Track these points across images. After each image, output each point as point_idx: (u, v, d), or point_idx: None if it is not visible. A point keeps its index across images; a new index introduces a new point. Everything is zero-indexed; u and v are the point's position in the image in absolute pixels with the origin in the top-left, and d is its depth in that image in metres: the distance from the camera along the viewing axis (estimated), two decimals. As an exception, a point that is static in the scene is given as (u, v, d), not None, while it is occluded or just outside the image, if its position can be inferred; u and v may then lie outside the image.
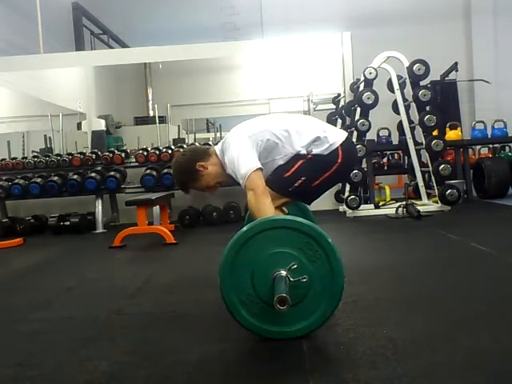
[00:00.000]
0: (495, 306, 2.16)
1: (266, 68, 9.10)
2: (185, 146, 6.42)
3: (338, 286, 1.82)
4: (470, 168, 6.65)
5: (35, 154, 6.96)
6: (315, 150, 2.31)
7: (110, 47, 10.54)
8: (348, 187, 5.91)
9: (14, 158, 6.64)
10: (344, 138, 2.37)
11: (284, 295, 1.63)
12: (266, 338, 1.84)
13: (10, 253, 4.68)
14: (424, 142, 5.71)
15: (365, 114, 5.96)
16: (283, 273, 1.77)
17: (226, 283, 1.83)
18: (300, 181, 2.29)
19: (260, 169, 2.20)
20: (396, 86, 6.02)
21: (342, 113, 6.95)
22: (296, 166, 2.30)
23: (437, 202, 5.56)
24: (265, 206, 2.12)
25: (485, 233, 4.13)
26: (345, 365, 1.60)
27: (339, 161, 2.32)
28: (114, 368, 1.73)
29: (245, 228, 1.85)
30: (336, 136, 2.37)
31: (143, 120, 9.17)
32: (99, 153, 6.32)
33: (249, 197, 2.16)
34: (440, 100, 8.34)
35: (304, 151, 2.31)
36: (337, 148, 2.33)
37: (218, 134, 9.17)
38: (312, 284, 1.80)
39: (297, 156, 2.31)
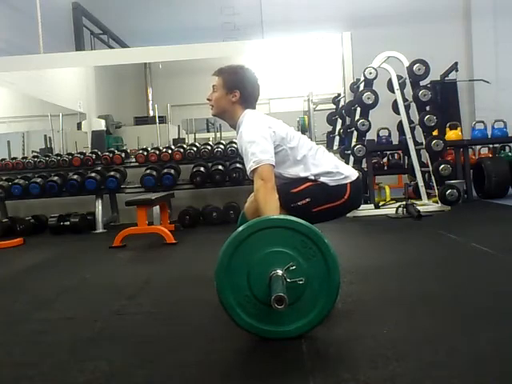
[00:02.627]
0: (495, 305, 2.16)
1: (265, 68, 9.09)
2: (185, 145, 6.42)
3: (335, 283, 1.82)
4: (470, 168, 6.65)
5: (35, 153, 6.96)
6: (323, 179, 2.28)
7: (110, 47, 10.54)
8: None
9: (14, 158, 6.64)
10: (355, 178, 2.34)
11: (281, 294, 1.63)
12: (264, 338, 1.84)
13: (10, 253, 4.68)
14: (424, 142, 5.71)
15: (365, 114, 5.96)
16: (280, 272, 1.77)
17: (222, 285, 1.83)
18: (304, 201, 2.26)
19: (273, 166, 2.17)
20: (396, 86, 6.02)
21: (342, 113, 6.96)
22: (304, 186, 2.27)
23: (437, 202, 5.56)
24: (272, 200, 2.09)
25: (485, 233, 4.13)
26: (345, 365, 1.60)
27: (346, 197, 2.29)
28: (114, 368, 1.73)
29: (240, 228, 1.85)
30: (348, 172, 2.34)
31: (143, 120, 9.18)
32: (99, 153, 6.32)
33: (258, 186, 2.12)
34: (440, 100, 8.36)
35: (312, 177, 2.28)
36: (346, 184, 2.30)
37: (218, 134, 9.17)
38: (308, 282, 1.80)
39: (305, 179, 2.29)
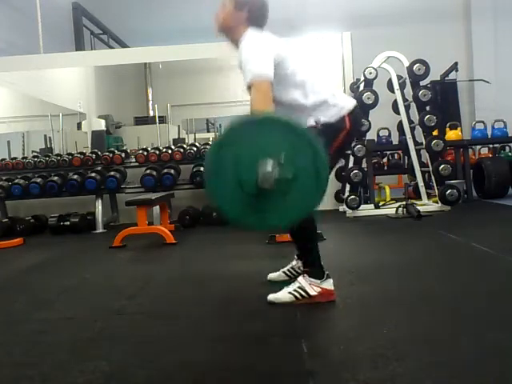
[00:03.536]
0: (495, 305, 2.16)
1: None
2: (185, 145, 6.42)
3: (323, 178, 1.85)
4: (470, 168, 6.65)
5: (35, 154, 6.96)
6: (323, 119, 2.27)
7: (110, 47, 10.53)
8: (348, 187, 5.91)
9: (14, 158, 6.64)
10: (352, 107, 2.35)
11: (268, 171, 1.67)
12: (254, 230, 1.88)
13: (10, 253, 4.68)
14: (424, 142, 5.71)
15: (365, 114, 5.95)
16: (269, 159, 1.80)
17: (212, 180, 1.88)
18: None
19: (271, 83, 2.15)
20: (396, 85, 6.02)
21: (342, 113, 6.94)
22: (315, 129, 2.25)
23: (437, 202, 5.55)
24: (268, 108, 2.08)
25: (485, 233, 4.13)
26: (345, 365, 1.60)
27: (347, 127, 2.29)
28: (114, 368, 1.73)
29: (233, 122, 1.90)
30: (344, 102, 2.34)
31: (143, 120, 9.16)
32: (99, 153, 6.32)
33: (254, 96, 2.10)
34: (440, 100, 8.35)
35: (309, 107, 2.26)
36: (343, 116, 2.30)
37: (218, 134, 9.17)
38: (297, 176, 1.82)
39: (305, 109, 2.27)
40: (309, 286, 2.29)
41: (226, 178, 1.85)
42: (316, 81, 2.35)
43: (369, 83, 5.99)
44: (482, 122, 6.72)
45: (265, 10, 2.43)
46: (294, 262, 2.71)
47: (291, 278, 2.59)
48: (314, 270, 2.32)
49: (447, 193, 5.36)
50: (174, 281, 3.08)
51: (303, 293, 2.28)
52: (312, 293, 2.27)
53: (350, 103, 2.36)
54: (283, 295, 2.31)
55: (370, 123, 5.87)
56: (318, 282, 2.29)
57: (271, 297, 2.33)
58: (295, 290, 2.30)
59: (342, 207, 5.87)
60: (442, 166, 5.48)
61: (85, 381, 1.63)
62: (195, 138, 8.51)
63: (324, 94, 2.31)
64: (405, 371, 1.53)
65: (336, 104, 2.31)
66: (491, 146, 7.54)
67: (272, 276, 2.77)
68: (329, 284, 2.32)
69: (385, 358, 1.63)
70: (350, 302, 2.33)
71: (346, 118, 2.30)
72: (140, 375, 1.66)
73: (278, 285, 2.46)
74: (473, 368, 1.55)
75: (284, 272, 2.75)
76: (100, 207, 5.75)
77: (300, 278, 2.33)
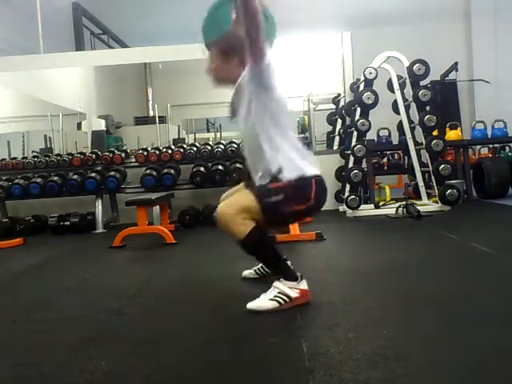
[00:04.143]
0: (495, 305, 2.16)
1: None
2: (185, 145, 6.42)
3: None
4: (470, 168, 6.65)
5: (35, 153, 6.96)
6: (287, 171, 2.25)
7: (110, 47, 10.53)
8: (348, 187, 5.91)
9: (14, 158, 6.64)
10: (317, 173, 2.32)
11: None
12: None
13: (9, 253, 4.68)
14: (424, 142, 5.71)
15: (365, 114, 5.95)
16: None
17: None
18: (278, 197, 2.22)
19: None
20: (396, 86, 6.02)
21: (342, 113, 6.95)
22: (279, 184, 2.25)
23: (437, 202, 5.55)
24: None
25: (485, 233, 4.13)
26: (345, 365, 1.60)
27: (312, 199, 2.26)
28: (114, 368, 1.73)
29: None
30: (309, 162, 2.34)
31: (143, 120, 9.16)
32: (99, 153, 6.32)
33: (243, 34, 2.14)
34: (440, 100, 8.34)
35: (276, 173, 2.26)
36: (311, 181, 2.27)
37: (218, 134, 9.16)
38: None
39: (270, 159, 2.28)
40: (288, 289, 2.26)
41: None
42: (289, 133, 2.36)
43: (369, 83, 5.99)
44: (482, 122, 6.72)
45: None
46: None
47: (260, 277, 2.76)
48: (287, 274, 2.32)
49: (447, 193, 5.36)
50: (173, 281, 3.08)
51: (285, 297, 2.25)
52: (293, 295, 2.25)
53: (315, 167, 2.34)
54: (265, 303, 2.24)
55: (370, 123, 5.87)
56: (295, 283, 2.29)
57: (252, 305, 2.24)
58: (277, 296, 2.25)
59: (342, 207, 5.87)
60: (441, 166, 5.48)
61: (85, 381, 1.63)
62: (195, 138, 8.51)
63: (291, 146, 2.31)
64: (405, 371, 1.53)
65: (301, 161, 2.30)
66: (491, 146, 7.54)
67: (245, 273, 2.87)
68: (304, 285, 2.31)
69: (385, 358, 1.63)
70: (350, 301, 2.33)
71: (312, 186, 2.26)
72: (140, 375, 1.66)
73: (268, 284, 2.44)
74: (473, 368, 1.55)
75: (255, 270, 2.83)
76: (100, 207, 5.76)
77: (277, 284, 2.28)
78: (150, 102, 9.59)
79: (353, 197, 5.57)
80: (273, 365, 1.67)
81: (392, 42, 7.85)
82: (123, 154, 6.27)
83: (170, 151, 6.14)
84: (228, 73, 2.40)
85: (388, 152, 7.50)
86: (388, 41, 8.63)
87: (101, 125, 7.88)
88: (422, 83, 5.91)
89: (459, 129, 6.78)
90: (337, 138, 7.34)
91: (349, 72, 6.83)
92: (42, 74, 7.25)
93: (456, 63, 8.76)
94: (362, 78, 6.06)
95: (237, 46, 2.30)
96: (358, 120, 5.86)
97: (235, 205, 2.24)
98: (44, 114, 7.83)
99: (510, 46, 10.40)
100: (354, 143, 5.89)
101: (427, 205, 5.62)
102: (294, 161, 2.28)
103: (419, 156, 5.93)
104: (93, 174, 5.80)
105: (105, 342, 2.01)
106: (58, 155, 6.54)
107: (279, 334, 1.95)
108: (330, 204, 6.33)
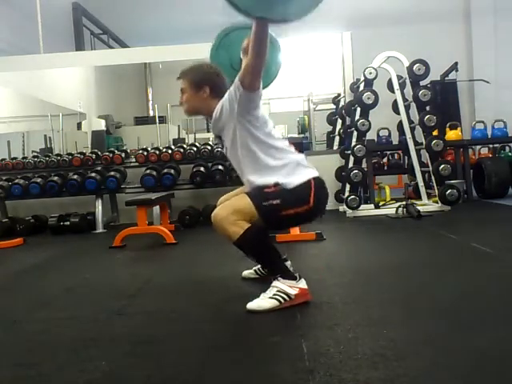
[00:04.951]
0: (495, 305, 2.16)
1: (265, 68, 9.08)
2: (185, 145, 6.42)
3: None
4: (470, 168, 6.65)
5: (35, 154, 6.96)
6: (286, 179, 2.29)
7: (110, 47, 10.53)
8: (348, 187, 5.91)
9: (14, 158, 6.63)
10: (316, 176, 2.36)
11: None
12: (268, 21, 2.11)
13: (9, 253, 4.68)
14: (424, 142, 5.71)
15: (365, 114, 5.95)
16: None
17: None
18: (275, 201, 2.25)
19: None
20: (396, 86, 6.02)
21: (342, 113, 6.95)
22: (276, 188, 2.28)
23: (437, 202, 5.55)
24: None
25: (485, 233, 4.13)
26: (345, 365, 1.60)
27: (311, 203, 2.28)
28: (114, 368, 1.73)
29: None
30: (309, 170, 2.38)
31: (143, 120, 9.17)
32: (99, 153, 6.32)
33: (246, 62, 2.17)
34: (440, 100, 8.34)
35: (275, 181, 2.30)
36: (310, 185, 2.30)
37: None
38: None
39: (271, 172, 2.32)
40: (288, 287, 2.26)
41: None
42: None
43: (369, 83, 5.99)
44: (482, 122, 6.72)
45: (224, 80, 2.46)
46: None
47: (260, 277, 2.76)
48: (285, 273, 2.32)
49: (447, 193, 5.36)
50: (173, 281, 3.08)
51: (285, 295, 2.24)
52: (293, 293, 2.26)
53: (314, 171, 2.38)
54: (265, 302, 2.24)
55: (369, 123, 5.87)
56: (294, 282, 2.29)
57: (252, 305, 2.23)
58: (276, 295, 2.25)
59: (342, 207, 5.87)
60: (441, 166, 5.48)
61: (85, 381, 1.63)
62: (195, 138, 8.50)
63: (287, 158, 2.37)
64: (405, 371, 1.53)
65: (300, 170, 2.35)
66: (491, 145, 7.54)
67: (245, 273, 2.88)
68: (303, 284, 2.31)
69: (385, 358, 1.63)
70: (350, 301, 2.34)
71: (311, 191, 2.29)
72: (140, 375, 1.66)
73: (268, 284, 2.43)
74: (473, 368, 1.55)
75: (255, 270, 2.84)
76: (100, 207, 5.75)
77: (276, 283, 2.28)
78: (150, 102, 9.59)
79: (353, 197, 5.57)
80: (273, 364, 1.67)
81: (392, 42, 7.86)
82: (123, 154, 6.27)
83: (169, 151, 6.14)
84: (200, 104, 2.42)
85: (388, 152, 7.50)
86: (388, 41, 8.65)
87: (101, 125, 7.88)
88: (422, 83, 5.91)
89: (459, 129, 6.78)
90: (337, 138, 7.35)
91: (349, 72, 6.83)
92: (42, 73, 7.25)
93: (456, 63, 8.76)
94: (362, 78, 6.06)
95: (207, 80, 2.39)
96: (358, 120, 5.86)
97: (229, 207, 2.28)
98: (44, 114, 7.84)
99: (510, 46, 10.40)
100: (354, 143, 5.89)
101: (427, 205, 5.62)
102: (289, 171, 2.31)
103: (419, 156, 5.93)
104: (93, 174, 5.80)
105: (105, 342, 2.01)
106: (58, 155, 6.54)
107: (279, 334, 1.95)
108: (329, 204, 6.33)
